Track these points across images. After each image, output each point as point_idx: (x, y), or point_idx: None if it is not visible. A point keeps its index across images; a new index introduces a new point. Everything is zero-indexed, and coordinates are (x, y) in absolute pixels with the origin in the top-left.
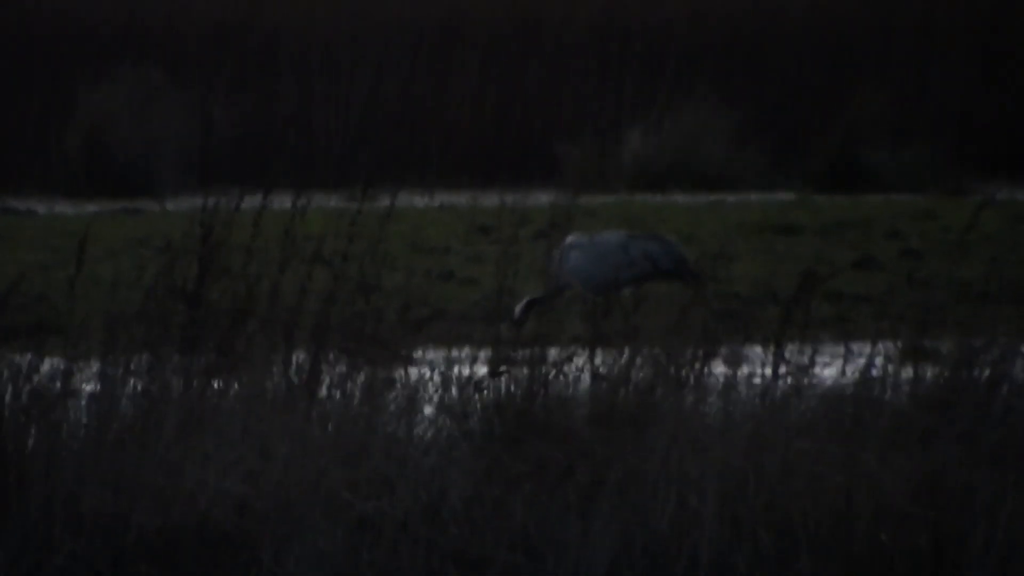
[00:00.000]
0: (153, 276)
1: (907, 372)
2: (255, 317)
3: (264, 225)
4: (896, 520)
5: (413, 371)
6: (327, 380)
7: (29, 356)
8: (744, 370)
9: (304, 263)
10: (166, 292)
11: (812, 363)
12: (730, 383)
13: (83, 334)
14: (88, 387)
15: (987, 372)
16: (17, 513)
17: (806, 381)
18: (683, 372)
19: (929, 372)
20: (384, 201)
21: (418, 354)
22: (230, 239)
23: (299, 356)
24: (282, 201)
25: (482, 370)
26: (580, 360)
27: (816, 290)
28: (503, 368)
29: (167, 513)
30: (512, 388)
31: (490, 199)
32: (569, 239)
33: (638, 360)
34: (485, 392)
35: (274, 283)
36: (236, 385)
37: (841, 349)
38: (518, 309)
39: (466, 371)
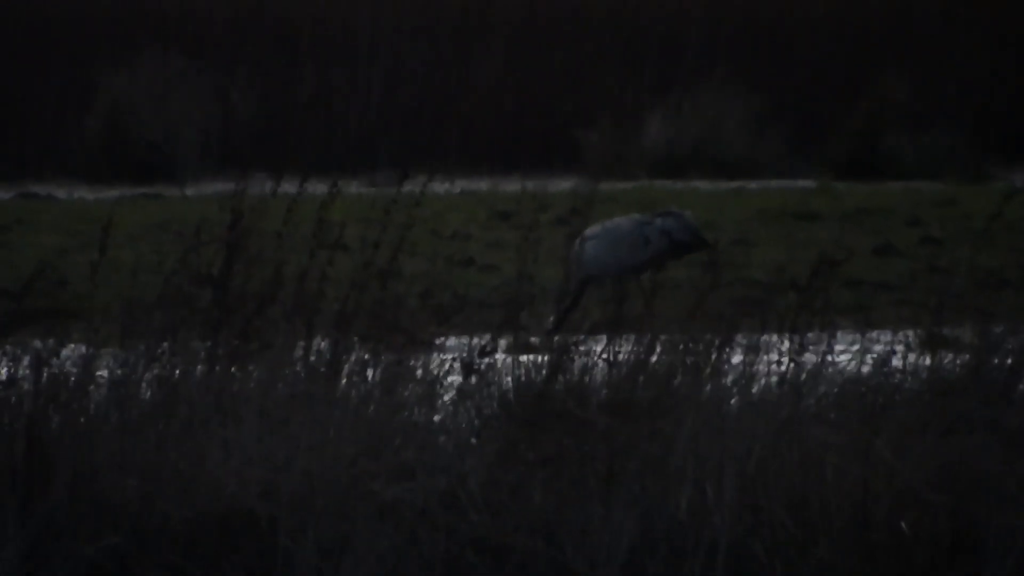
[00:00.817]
0: (174, 261)
1: (927, 360)
2: (278, 303)
3: (282, 210)
4: (915, 508)
5: (434, 357)
6: (348, 367)
7: (51, 341)
8: (763, 357)
9: (327, 250)
10: (189, 277)
11: (830, 350)
12: (748, 370)
13: (104, 319)
14: (110, 372)
15: (1008, 360)
16: (39, 499)
17: (825, 368)
18: (701, 359)
19: (949, 360)
20: (407, 188)
21: (439, 340)
22: (258, 225)
23: (320, 342)
24: (303, 187)
25: (495, 355)
26: (599, 347)
27: (832, 275)
28: (490, 348)
29: (189, 498)
30: (532, 374)
31: (510, 185)
32: (585, 232)
33: (656, 346)
34: (479, 370)
35: (299, 270)
36: (258, 371)
37: (860, 336)
38: (551, 321)
39: (487, 360)
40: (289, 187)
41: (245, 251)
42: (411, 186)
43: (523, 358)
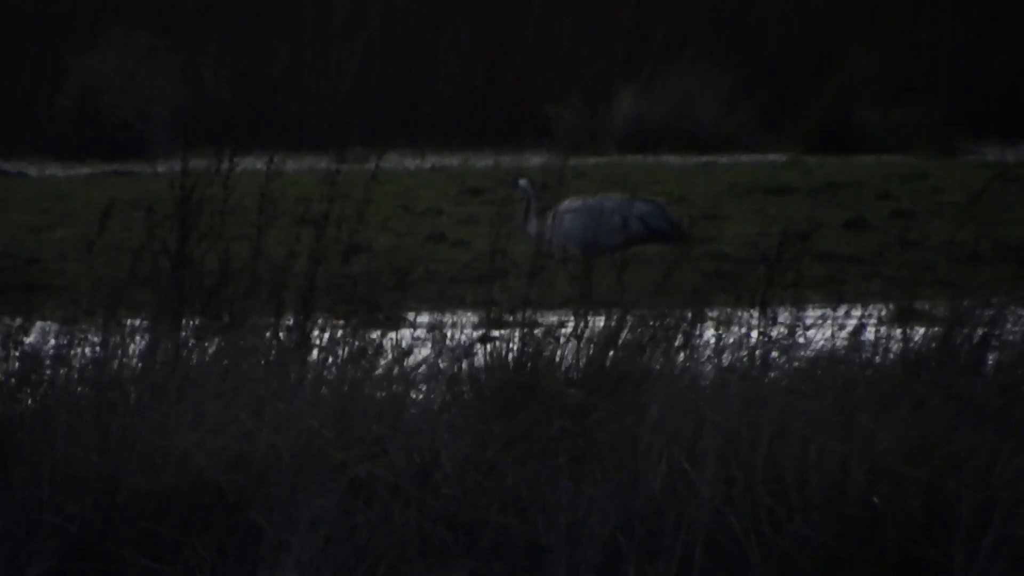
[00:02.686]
0: (144, 238)
1: (898, 333)
2: (243, 278)
3: (251, 186)
4: (889, 482)
5: (404, 333)
6: (317, 342)
7: (20, 319)
8: (734, 331)
9: (293, 224)
10: (158, 253)
11: (799, 323)
12: (720, 344)
13: (76, 296)
14: (80, 349)
15: (979, 333)
16: (9, 475)
17: (796, 342)
18: (673, 333)
19: (920, 333)
20: (372, 163)
21: (409, 316)
22: (215, 200)
23: (289, 318)
24: (272, 163)
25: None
26: (569, 323)
27: (801, 249)
28: (494, 334)
29: (158, 474)
30: (503, 352)
31: (481, 161)
32: (564, 203)
33: (628, 321)
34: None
35: (260, 245)
36: (227, 346)
37: (831, 310)
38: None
39: (457, 334)
40: (257, 163)
41: (198, 226)
42: (376, 161)
43: (495, 332)
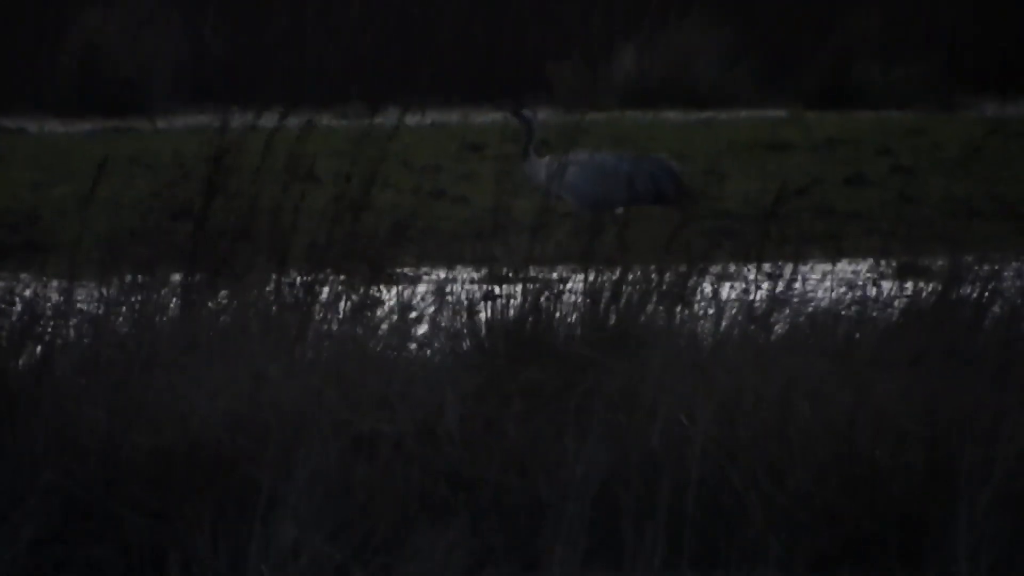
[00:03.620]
0: (149, 195)
1: (898, 289)
2: (252, 237)
3: (259, 144)
4: (891, 438)
5: (406, 290)
6: (321, 299)
7: (23, 276)
8: (734, 287)
9: (299, 183)
10: (167, 211)
11: (799, 278)
12: (720, 300)
13: (78, 253)
14: (83, 307)
15: (978, 288)
16: (11, 433)
17: (795, 298)
18: (673, 290)
19: (920, 289)
20: (379, 119)
21: (410, 273)
22: (236, 160)
23: (293, 275)
24: (282, 121)
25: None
26: (572, 281)
27: (798, 204)
28: (497, 292)
29: (160, 433)
30: (505, 309)
31: (481, 117)
32: (568, 157)
33: (629, 277)
34: (478, 311)
35: (273, 203)
36: (230, 304)
37: (832, 265)
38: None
39: (459, 288)
40: (265, 121)
41: (225, 187)
42: (384, 119)
43: (497, 289)
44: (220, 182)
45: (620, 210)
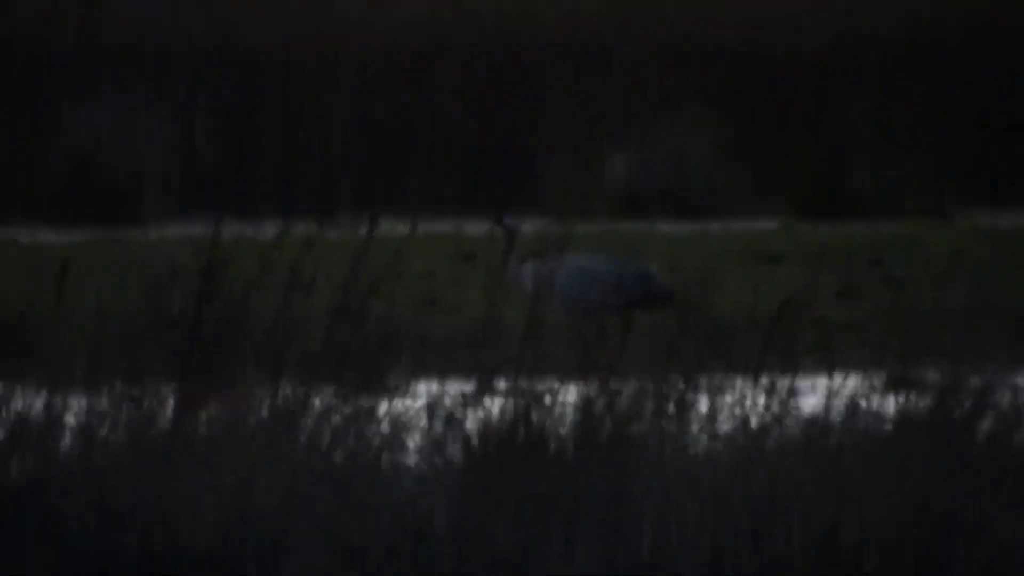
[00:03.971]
0: (142, 303)
1: (891, 401)
2: (246, 345)
3: (251, 252)
4: (881, 545)
5: (397, 400)
6: (313, 409)
7: (14, 384)
8: (728, 399)
9: (295, 292)
10: (158, 319)
11: (794, 391)
12: (714, 411)
13: (69, 362)
14: (74, 415)
15: (972, 400)
16: (2, 540)
17: (789, 409)
18: (668, 401)
19: (914, 400)
20: (364, 228)
21: (403, 383)
22: (228, 268)
23: (285, 385)
24: (283, 232)
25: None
26: (565, 388)
27: (795, 318)
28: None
29: (149, 540)
30: (496, 419)
31: (473, 227)
32: (560, 263)
33: (624, 391)
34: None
35: (268, 312)
36: (224, 414)
37: (824, 378)
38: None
39: (449, 400)
40: (255, 231)
41: (218, 295)
42: (376, 228)
43: (488, 399)
44: (212, 291)
45: (611, 315)
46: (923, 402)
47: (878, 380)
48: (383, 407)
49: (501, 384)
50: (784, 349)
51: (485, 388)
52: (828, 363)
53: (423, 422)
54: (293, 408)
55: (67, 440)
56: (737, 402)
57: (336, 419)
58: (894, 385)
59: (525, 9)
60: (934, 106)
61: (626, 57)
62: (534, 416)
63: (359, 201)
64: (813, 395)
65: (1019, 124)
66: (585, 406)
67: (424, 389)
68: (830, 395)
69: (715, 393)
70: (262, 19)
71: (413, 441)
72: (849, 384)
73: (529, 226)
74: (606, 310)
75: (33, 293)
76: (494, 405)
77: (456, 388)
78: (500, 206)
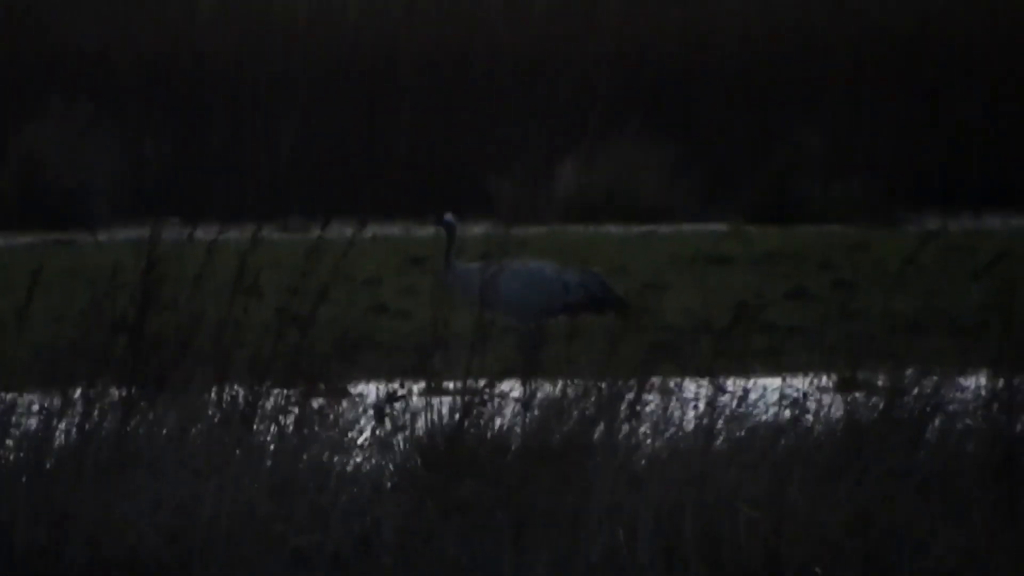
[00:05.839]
0: (88, 308)
1: (840, 404)
2: (193, 349)
3: (199, 257)
4: (829, 553)
5: (347, 404)
6: (261, 413)
7: None
8: (677, 402)
9: (242, 296)
10: (104, 324)
11: (745, 396)
12: (663, 415)
13: (15, 367)
14: (21, 420)
15: (919, 404)
16: None
17: (739, 413)
18: (617, 405)
19: (862, 404)
20: (315, 233)
21: (352, 387)
22: (171, 272)
23: (233, 389)
24: (220, 233)
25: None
26: (512, 392)
27: (748, 323)
28: (400, 394)
29: (99, 546)
30: (442, 421)
31: (422, 231)
32: (503, 267)
33: (571, 392)
34: (390, 415)
35: (215, 316)
36: (171, 418)
37: (774, 381)
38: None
39: (399, 405)
40: (202, 233)
41: (159, 298)
42: (325, 233)
43: (435, 401)
44: (154, 293)
45: (556, 320)
46: (871, 404)
47: (827, 382)
48: (331, 411)
49: (448, 386)
50: (734, 352)
51: (432, 393)
52: (777, 365)
53: (371, 425)
54: (241, 411)
55: (17, 444)
56: (686, 404)
57: (284, 422)
58: (842, 387)
59: (477, 19)
60: (883, 116)
61: (577, 65)
62: (481, 420)
63: (309, 206)
64: (763, 398)
65: (968, 132)
66: (531, 410)
67: (373, 391)
68: (780, 398)
69: (664, 396)
70: (212, 27)
71: (361, 445)
72: (798, 386)
73: (478, 230)
74: (551, 314)
75: None
76: (443, 406)
77: (404, 392)
78: (442, 206)
